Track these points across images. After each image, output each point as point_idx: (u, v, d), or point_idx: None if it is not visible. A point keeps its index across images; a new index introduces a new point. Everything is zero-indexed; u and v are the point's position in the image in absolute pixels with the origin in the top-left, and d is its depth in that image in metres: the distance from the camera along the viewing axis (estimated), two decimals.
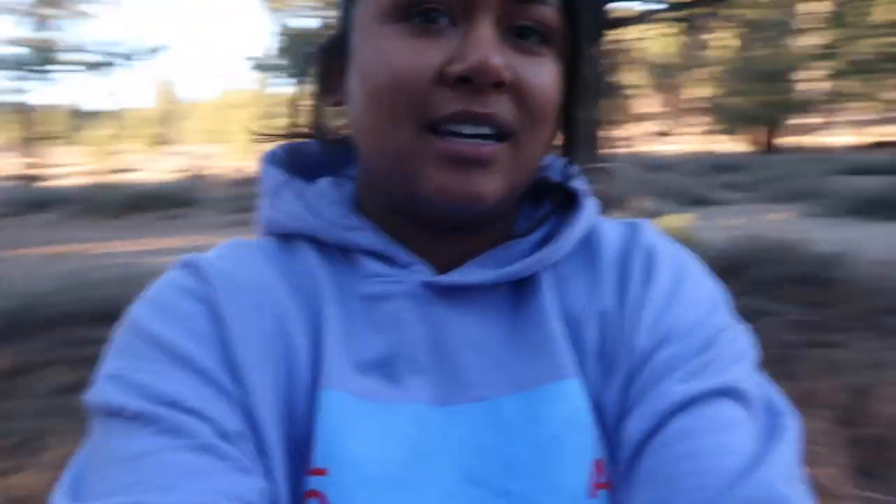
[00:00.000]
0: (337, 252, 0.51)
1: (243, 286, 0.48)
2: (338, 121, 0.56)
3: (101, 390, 0.44)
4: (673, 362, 0.46)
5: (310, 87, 0.55)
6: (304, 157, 0.57)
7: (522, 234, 0.53)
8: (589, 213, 0.53)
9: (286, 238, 0.52)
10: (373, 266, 0.49)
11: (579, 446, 0.45)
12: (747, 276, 4.29)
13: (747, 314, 0.53)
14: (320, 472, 0.42)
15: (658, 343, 0.47)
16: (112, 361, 0.45)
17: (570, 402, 0.46)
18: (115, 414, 0.42)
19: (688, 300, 0.49)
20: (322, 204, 0.52)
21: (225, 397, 0.43)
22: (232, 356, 0.45)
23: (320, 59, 0.54)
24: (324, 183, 0.53)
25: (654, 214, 5.62)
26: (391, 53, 0.45)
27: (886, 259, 4.64)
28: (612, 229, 0.53)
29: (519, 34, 0.46)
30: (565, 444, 0.45)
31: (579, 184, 0.55)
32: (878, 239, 5.77)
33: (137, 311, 0.47)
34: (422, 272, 0.49)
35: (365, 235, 0.50)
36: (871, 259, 4.55)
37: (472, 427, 0.46)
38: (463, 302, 0.49)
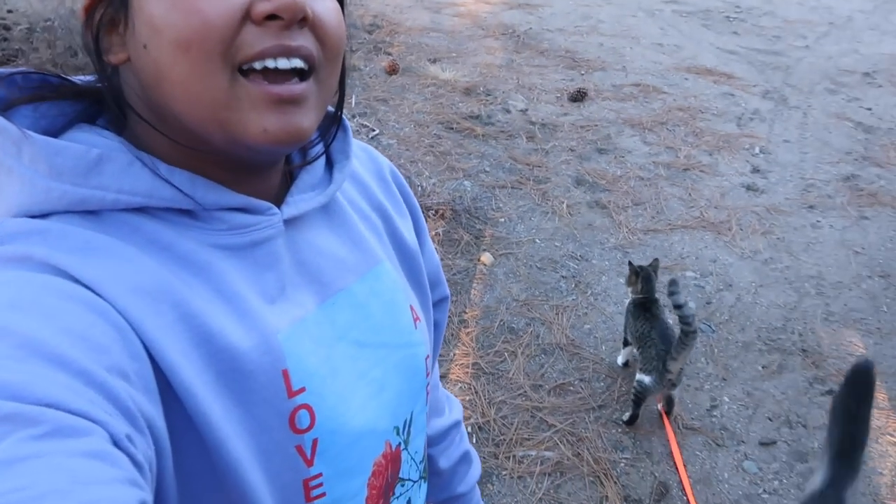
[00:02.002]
0: (174, 214, 0.50)
1: (121, 277, 0.45)
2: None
3: None
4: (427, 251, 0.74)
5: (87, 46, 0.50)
6: (16, 90, 0.52)
7: (303, 155, 0.62)
8: (350, 133, 0.64)
9: (93, 213, 0.48)
10: (238, 219, 0.52)
11: (402, 301, 0.64)
12: None
13: None
14: (302, 391, 0.51)
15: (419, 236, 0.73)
16: None
17: (388, 276, 0.63)
18: None
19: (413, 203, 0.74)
20: (158, 175, 0.49)
21: (112, 401, 0.39)
22: (136, 352, 0.43)
23: (90, 19, 0.50)
24: (116, 142, 0.49)
25: None
26: (195, 0, 0.44)
27: None
28: (359, 147, 0.70)
29: None
30: (396, 303, 0.63)
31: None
32: None
33: None
34: (275, 213, 0.54)
35: (220, 194, 0.51)
36: None
37: (343, 310, 0.58)
38: (302, 224, 0.57)
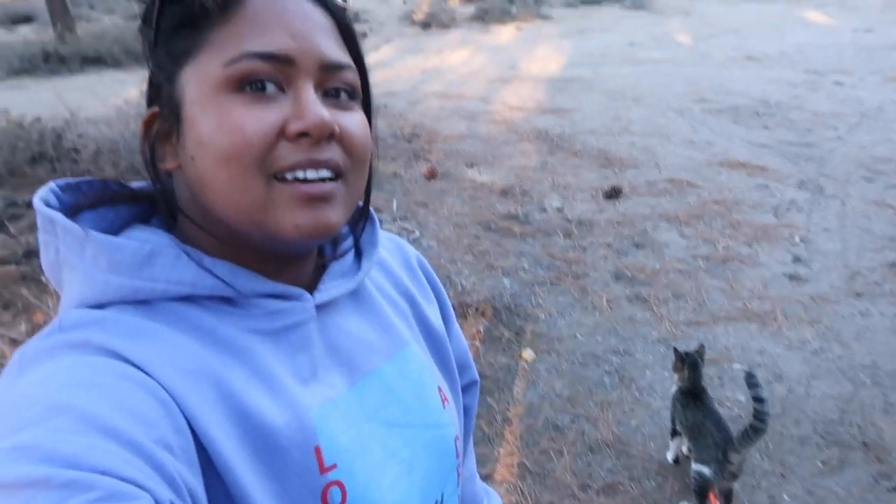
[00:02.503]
0: (216, 301, 0.55)
1: (169, 359, 0.50)
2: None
3: (5, 465, 0.39)
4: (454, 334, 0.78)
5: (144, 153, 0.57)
6: (80, 196, 0.59)
7: (335, 248, 0.68)
8: (377, 226, 0.70)
9: (144, 303, 0.54)
10: (274, 305, 0.57)
11: (430, 382, 0.67)
12: None
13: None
14: (333, 467, 0.54)
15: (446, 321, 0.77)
16: (11, 436, 0.41)
17: (416, 358, 0.67)
18: (34, 485, 0.38)
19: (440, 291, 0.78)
20: (202, 267, 0.54)
21: (158, 470, 0.43)
22: (181, 430, 0.48)
23: (148, 131, 0.57)
24: (166, 239, 0.56)
25: None
26: (235, 121, 0.51)
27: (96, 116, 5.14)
28: (386, 237, 0.76)
29: (331, 94, 0.56)
30: (424, 384, 0.66)
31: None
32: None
33: (40, 386, 0.45)
34: (308, 299, 0.59)
35: (258, 283, 0.56)
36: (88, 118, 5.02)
37: (373, 392, 0.62)
38: (332, 310, 0.62)
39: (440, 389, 0.68)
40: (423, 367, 0.67)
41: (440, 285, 0.79)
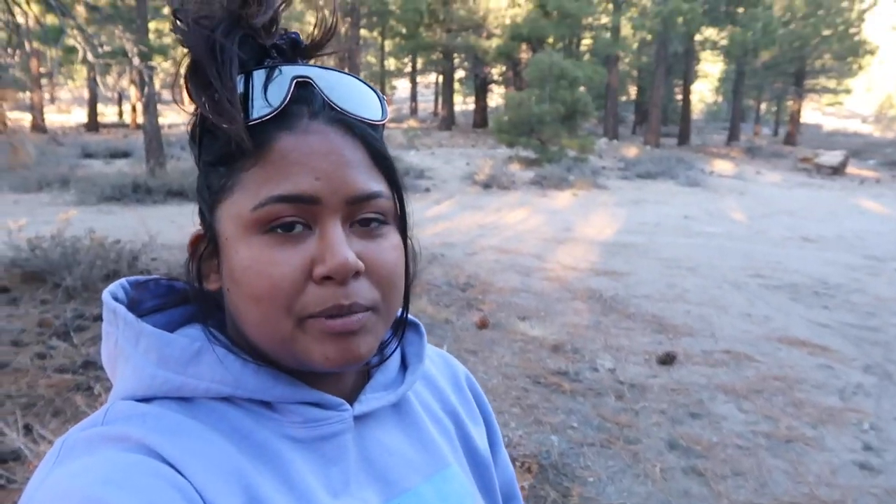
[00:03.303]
0: (255, 404, 0.56)
1: (203, 459, 0.51)
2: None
3: None
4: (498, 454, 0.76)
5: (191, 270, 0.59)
6: (147, 294, 0.62)
7: (377, 358, 0.66)
8: (425, 339, 0.69)
9: (187, 400, 0.55)
10: (312, 413, 0.57)
11: None
12: (58, 281, 4.87)
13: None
14: None
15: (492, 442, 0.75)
16: None
17: (457, 480, 0.64)
18: None
19: (488, 411, 0.76)
20: (246, 369, 0.56)
21: None
22: None
23: (195, 251, 0.59)
24: (209, 338, 0.57)
25: None
26: (263, 265, 0.52)
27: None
28: (435, 353, 0.75)
29: (363, 222, 0.56)
30: None
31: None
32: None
33: (74, 479, 0.46)
34: (346, 409, 0.58)
35: (297, 390, 0.57)
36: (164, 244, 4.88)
37: None
38: (372, 421, 0.61)
39: None
40: (464, 491, 0.64)
41: (489, 407, 0.77)
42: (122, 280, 0.62)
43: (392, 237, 0.58)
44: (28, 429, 3.09)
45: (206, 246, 0.59)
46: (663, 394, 4.20)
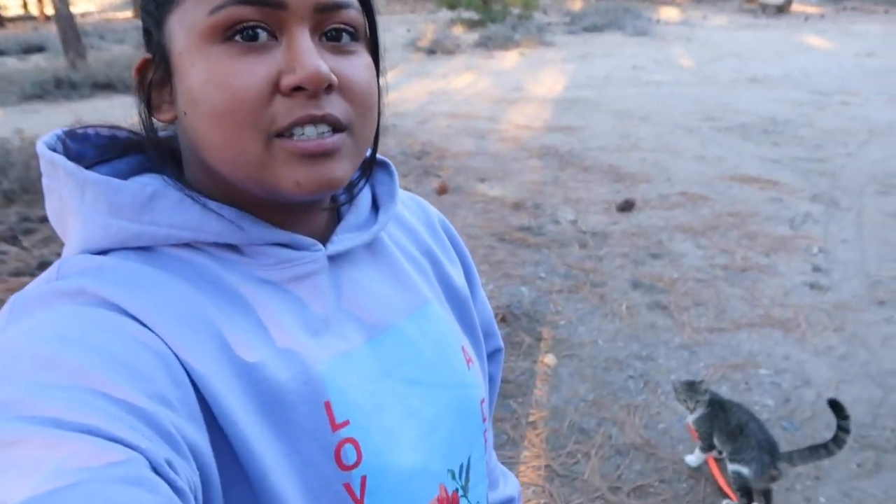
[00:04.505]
0: (221, 249, 0.52)
1: (168, 308, 0.47)
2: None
3: None
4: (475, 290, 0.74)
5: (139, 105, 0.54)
6: (88, 145, 0.56)
7: (346, 197, 0.63)
8: (396, 178, 0.66)
9: (146, 249, 0.51)
10: (283, 254, 0.53)
11: (453, 341, 0.63)
12: None
13: None
14: (346, 424, 0.51)
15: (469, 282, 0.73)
16: None
17: (437, 316, 0.63)
18: (11, 446, 0.35)
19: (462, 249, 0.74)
20: (207, 211, 0.51)
21: (153, 427, 0.39)
22: (180, 382, 0.44)
23: (142, 79, 0.53)
24: (164, 183, 0.52)
25: None
26: (225, 76, 0.47)
27: None
28: (407, 196, 0.73)
29: (332, 37, 0.50)
30: (447, 342, 0.62)
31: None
32: None
33: (27, 337, 0.42)
34: (319, 248, 0.55)
35: (266, 231, 0.53)
36: None
37: (392, 348, 0.58)
38: (347, 262, 0.58)
39: (464, 349, 0.64)
40: (445, 326, 0.63)
41: (464, 247, 0.74)
42: (58, 130, 0.55)
43: (364, 56, 0.53)
44: None
45: (156, 70, 0.52)
46: (624, 239, 4.32)
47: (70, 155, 0.53)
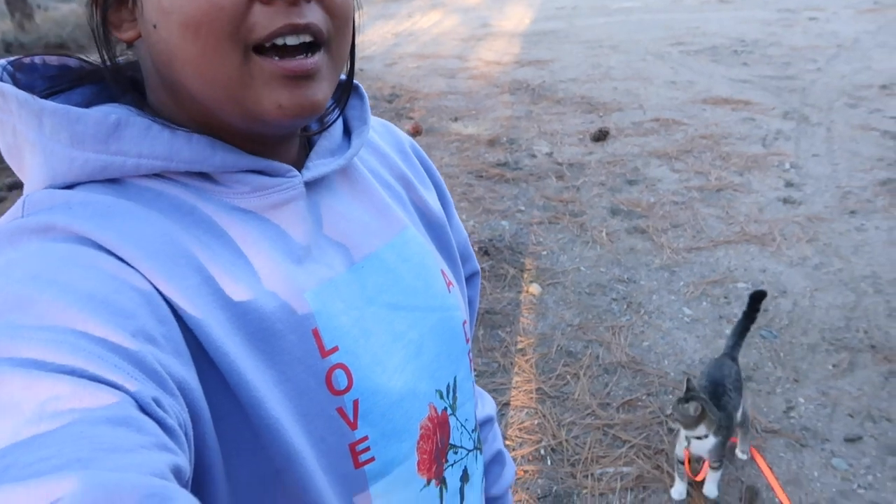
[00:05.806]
0: (194, 178, 0.50)
1: (144, 241, 0.45)
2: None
3: None
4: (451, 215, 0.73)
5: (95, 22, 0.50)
6: (37, 75, 0.53)
7: (321, 123, 0.61)
8: (367, 103, 0.64)
9: (115, 181, 0.48)
10: (259, 181, 0.51)
11: (432, 265, 0.63)
12: None
13: None
14: (335, 350, 0.51)
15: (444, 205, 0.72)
16: None
17: (415, 241, 0.62)
18: None
19: (437, 176, 0.73)
20: (177, 138, 0.49)
21: (137, 365, 0.38)
22: (163, 317, 0.43)
23: None
24: (128, 111, 0.50)
25: None
26: None
27: None
28: (377, 122, 0.71)
29: None
30: (426, 266, 0.62)
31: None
32: None
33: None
34: (295, 174, 0.53)
35: (240, 157, 0.51)
36: None
37: (373, 274, 0.57)
38: (323, 189, 0.57)
39: (443, 273, 0.64)
40: (423, 250, 0.63)
41: (437, 171, 0.73)
42: (2, 60, 0.51)
43: None
44: None
45: None
46: (600, 167, 4.34)
47: (19, 87, 0.50)
